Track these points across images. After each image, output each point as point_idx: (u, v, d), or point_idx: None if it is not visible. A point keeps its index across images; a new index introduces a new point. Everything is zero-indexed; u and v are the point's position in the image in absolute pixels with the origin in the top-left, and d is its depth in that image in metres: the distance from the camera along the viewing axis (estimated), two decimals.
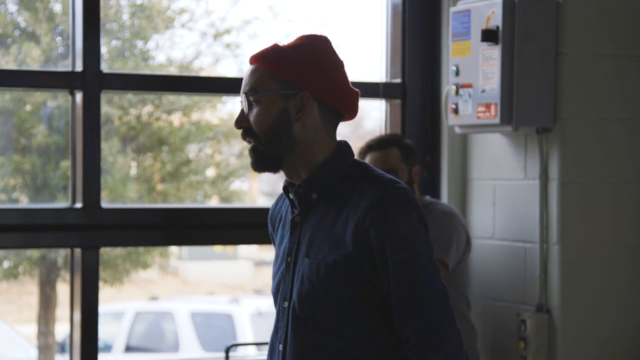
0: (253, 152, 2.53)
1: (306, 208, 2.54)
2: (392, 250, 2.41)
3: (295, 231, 2.55)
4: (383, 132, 4.56)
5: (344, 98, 2.55)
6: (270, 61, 2.51)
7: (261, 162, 2.52)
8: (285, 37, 9.86)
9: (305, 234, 2.52)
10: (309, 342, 2.49)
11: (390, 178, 2.50)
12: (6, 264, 9.98)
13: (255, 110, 2.51)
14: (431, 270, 2.42)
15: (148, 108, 9.75)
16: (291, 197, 2.57)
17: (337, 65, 2.56)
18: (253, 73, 2.53)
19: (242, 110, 2.54)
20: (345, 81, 2.56)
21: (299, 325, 2.50)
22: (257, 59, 2.54)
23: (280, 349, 2.54)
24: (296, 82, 2.50)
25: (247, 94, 2.52)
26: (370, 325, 2.46)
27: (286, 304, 2.53)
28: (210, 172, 10.40)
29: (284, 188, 2.59)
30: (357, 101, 2.58)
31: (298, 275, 2.50)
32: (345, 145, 2.57)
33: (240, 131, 2.55)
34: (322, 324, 2.47)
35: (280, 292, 2.56)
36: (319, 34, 2.58)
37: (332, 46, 2.57)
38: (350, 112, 2.57)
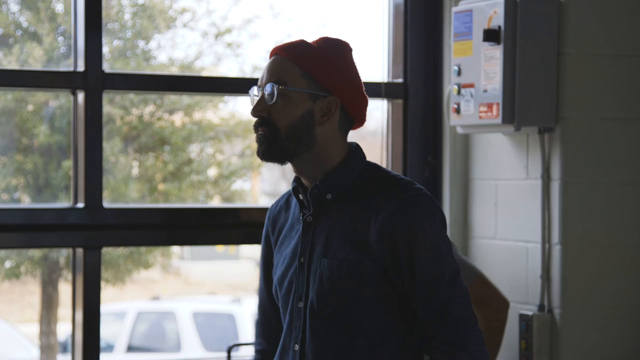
0: (266, 140, 2.49)
1: (319, 209, 2.53)
2: (419, 251, 2.42)
3: (307, 231, 2.53)
4: (385, 132, 4.55)
5: (361, 108, 2.56)
6: (302, 57, 2.49)
7: (273, 153, 2.50)
8: (287, 37, 9.86)
9: (320, 235, 2.51)
10: (329, 342, 2.48)
11: (409, 180, 2.51)
12: (8, 264, 10.00)
13: (280, 103, 2.48)
14: (454, 270, 2.45)
15: (150, 108, 9.76)
16: (301, 197, 2.56)
17: (359, 75, 2.56)
18: (281, 64, 2.50)
19: (262, 99, 2.50)
20: (363, 91, 2.56)
21: (319, 325, 2.49)
22: (286, 52, 2.50)
23: (297, 349, 2.52)
24: (326, 85, 2.49)
25: (275, 84, 2.48)
26: (390, 325, 2.47)
27: (301, 304, 2.52)
28: (212, 172, 10.40)
29: (294, 189, 2.57)
30: (366, 110, 2.59)
31: (315, 276, 2.49)
32: (357, 147, 2.57)
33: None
34: (342, 323, 2.47)
35: (293, 293, 2.54)
36: (341, 39, 2.57)
37: (352, 54, 2.57)
38: (362, 121, 2.59)
